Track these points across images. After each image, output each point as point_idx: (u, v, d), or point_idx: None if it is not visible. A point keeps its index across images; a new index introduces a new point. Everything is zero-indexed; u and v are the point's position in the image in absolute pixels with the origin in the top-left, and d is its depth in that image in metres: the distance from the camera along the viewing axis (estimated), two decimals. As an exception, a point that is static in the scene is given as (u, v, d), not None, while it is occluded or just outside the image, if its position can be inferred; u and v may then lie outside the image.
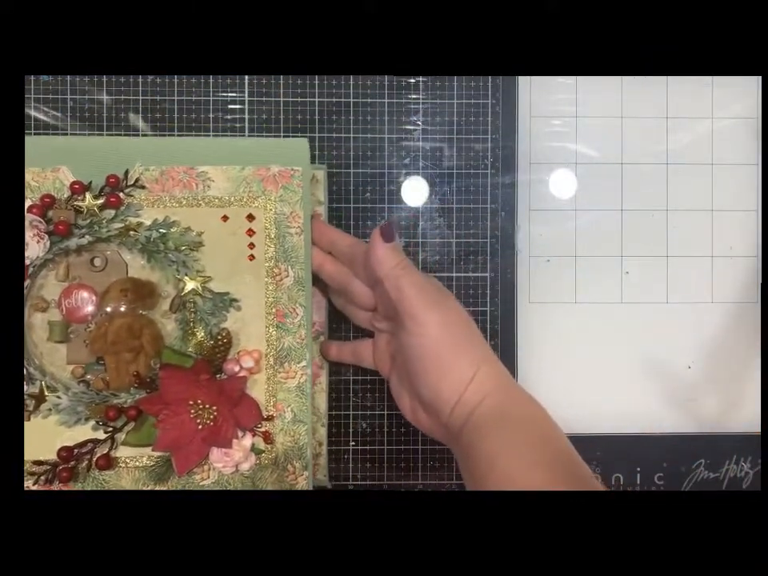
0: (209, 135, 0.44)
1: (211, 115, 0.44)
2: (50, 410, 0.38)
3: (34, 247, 0.37)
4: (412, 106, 0.45)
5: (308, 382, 0.39)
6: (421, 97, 0.45)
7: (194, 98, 0.44)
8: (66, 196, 0.38)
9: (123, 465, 0.38)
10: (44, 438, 0.38)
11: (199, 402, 0.38)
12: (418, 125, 0.45)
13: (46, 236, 0.38)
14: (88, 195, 0.38)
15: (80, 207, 0.38)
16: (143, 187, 0.39)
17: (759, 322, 0.46)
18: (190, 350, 0.39)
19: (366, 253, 0.38)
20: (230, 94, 0.44)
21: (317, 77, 0.45)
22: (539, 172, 0.46)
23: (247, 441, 0.38)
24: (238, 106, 0.44)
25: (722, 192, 0.47)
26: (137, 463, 0.38)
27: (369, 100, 0.45)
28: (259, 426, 0.39)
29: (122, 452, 0.38)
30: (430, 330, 0.36)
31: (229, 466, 0.38)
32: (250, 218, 0.39)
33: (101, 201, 0.38)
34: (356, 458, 0.45)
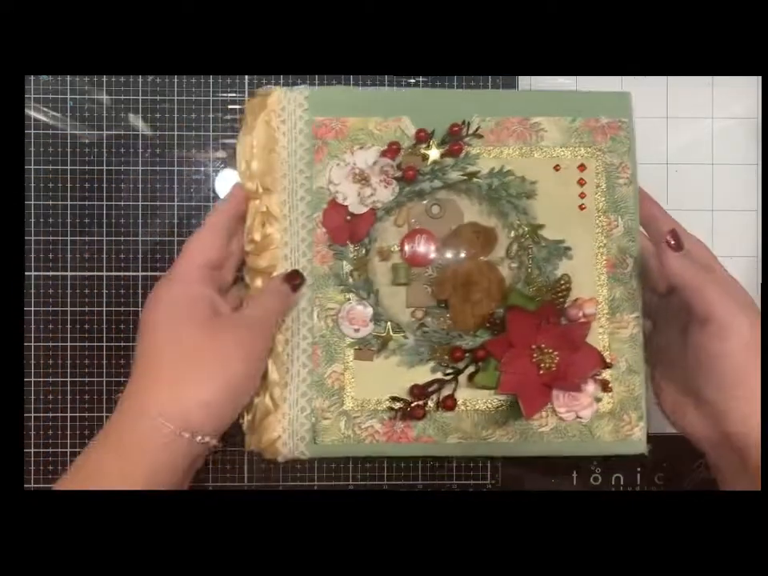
0: (209, 135, 0.44)
1: (211, 115, 0.44)
2: (394, 350, 0.38)
3: (383, 192, 0.38)
4: (412, 106, 0.45)
5: (640, 333, 0.39)
6: (421, 97, 0.45)
7: (194, 98, 0.44)
8: (407, 144, 0.39)
9: (463, 407, 0.38)
10: (386, 378, 0.38)
11: (543, 346, 0.37)
12: (419, 125, 0.45)
13: (394, 181, 0.38)
14: (433, 143, 0.39)
15: (426, 155, 0.39)
16: (481, 137, 0.39)
17: (759, 322, 0.46)
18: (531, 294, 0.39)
19: (657, 264, 0.36)
20: (229, 94, 0.44)
21: (317, 77, 0.45)
22: (539, 172, 0.46)
23: (591, 387, 0.38)
24: (238, 106, 0.44)
25: (722, 192, 0.47)
26: (475, 406, 0.38)
27: (369, 100, 0.45)
28: (598, 373, 0.38)
29: (461, 394, 0.38)
30: (740, 335, 0.33)
31: (573, 410, 0.38)
32: (582, 167, 0.39)
33: (445, 148, 0.39)
34: (356, 458, 0.45)
